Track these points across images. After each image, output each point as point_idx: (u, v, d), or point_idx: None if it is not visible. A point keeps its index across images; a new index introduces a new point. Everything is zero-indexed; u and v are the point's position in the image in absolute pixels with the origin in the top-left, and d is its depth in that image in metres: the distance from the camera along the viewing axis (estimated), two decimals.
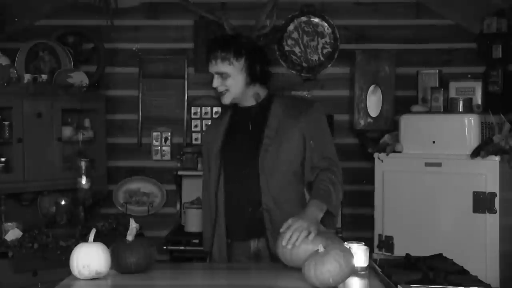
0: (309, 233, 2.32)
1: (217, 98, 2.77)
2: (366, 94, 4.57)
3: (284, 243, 2.32)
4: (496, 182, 3.79)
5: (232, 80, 2.64)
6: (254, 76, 2.66)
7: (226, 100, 2.68)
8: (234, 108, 2.77)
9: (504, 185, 3.84)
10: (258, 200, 2.60)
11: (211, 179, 2.73)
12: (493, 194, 3.78)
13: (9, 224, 3.97)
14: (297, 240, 2.30)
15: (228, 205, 2.67)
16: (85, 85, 4.43)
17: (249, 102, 2.71)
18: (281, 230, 2.38)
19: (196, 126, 4.84)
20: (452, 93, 4.26)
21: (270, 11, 4.45)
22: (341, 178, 2.65)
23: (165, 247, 4.23)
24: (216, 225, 2.69)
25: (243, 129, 2.72)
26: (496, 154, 3.80)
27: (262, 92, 2.72)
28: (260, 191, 2.60)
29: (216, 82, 2.66)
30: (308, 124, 2.64)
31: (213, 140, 2.77)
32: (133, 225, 2.36)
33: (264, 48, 2.83)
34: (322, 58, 4.81)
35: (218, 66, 2.63)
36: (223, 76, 2.64)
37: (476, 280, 2.25)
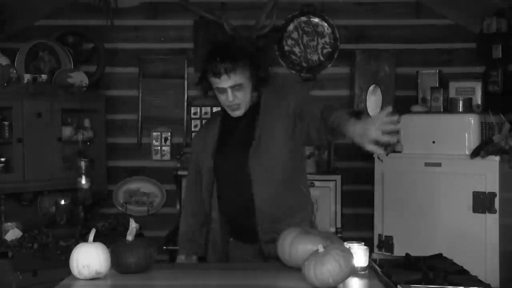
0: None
1: (227, 111, 2.53)
2: (366, 94, 4.56)
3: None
4: (496, 182, 3.79)
5: (243, 90, 2.49)
6: (259, 81, 2.53)
7: (240, 113, 2.53)
8: (224, 115, 2.64)
9: (504, 185, 3.83)
10: (251, 204, 2.52)
11: (203, 186, 2.65)
12: (493, 194, 3.78)
13: (9, 224, 3.97)
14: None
15: (222, 211, 2.61)
16: (85, 85, 4.43)
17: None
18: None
19: (196, 126, 4.84)
20: (452, 93, 4.26)
21: (270, 11, 4.45)
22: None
23: (165, 247, 4.22)
24: (210, 231, 2.66)
25: (234, 135, 2.60)
26: (496, 154, 3.80)
27: (254, 94, 2.58)
28: (252, 196, 2.52)
29: (231, 95, 2.47)
30: (297, 100, 2.51)
31: (203, 149, 2.65)
32: (133, 225, 2.36)
33: (264, 48, 2.71)
34: (322, 58, 4.80)
35: (235, 79, 2.45)
36: (236, 88, 2.47)
37: (476, 280, 2.25)
